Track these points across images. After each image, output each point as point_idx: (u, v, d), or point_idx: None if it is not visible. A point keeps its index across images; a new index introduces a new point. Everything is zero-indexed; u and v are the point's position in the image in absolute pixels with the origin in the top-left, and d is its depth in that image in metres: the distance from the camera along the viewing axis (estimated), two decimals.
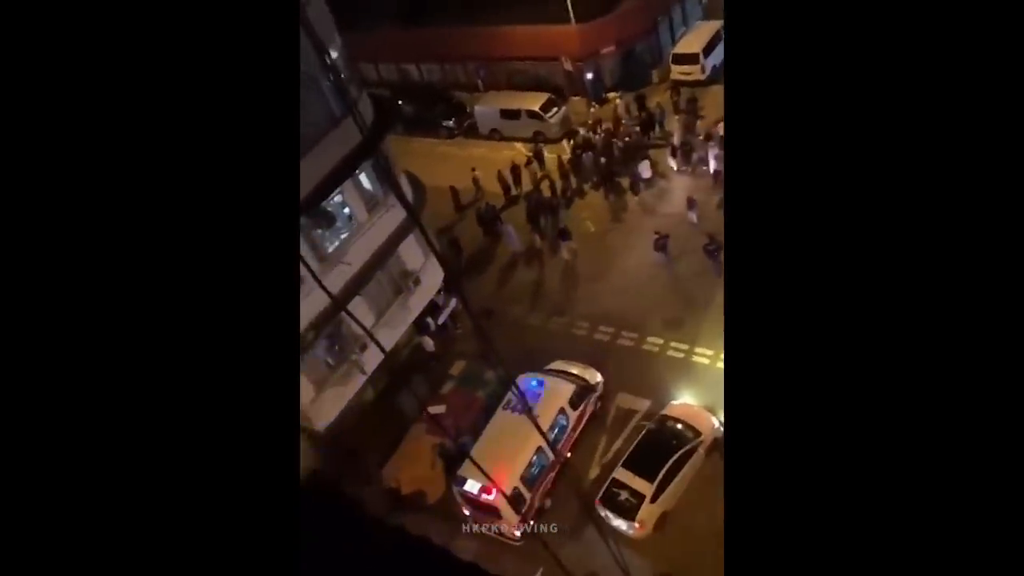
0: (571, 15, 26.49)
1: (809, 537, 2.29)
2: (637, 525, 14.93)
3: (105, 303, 2.22)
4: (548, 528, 15.51)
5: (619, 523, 15.15)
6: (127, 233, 2.25)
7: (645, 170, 23.49)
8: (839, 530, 2.25)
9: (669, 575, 14.45)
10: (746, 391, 2.40)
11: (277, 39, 2.41)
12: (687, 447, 15.63)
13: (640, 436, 16.23)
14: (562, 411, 16.61)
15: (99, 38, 2.21)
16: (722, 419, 16.50)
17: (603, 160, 24.42)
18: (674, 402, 17.07)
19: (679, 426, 16.10)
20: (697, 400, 17.04)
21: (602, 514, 15.43)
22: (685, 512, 15.39)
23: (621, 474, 15.52)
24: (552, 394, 16.76)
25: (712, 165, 22.61)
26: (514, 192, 25.30)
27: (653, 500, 15.03)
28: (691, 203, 21.67)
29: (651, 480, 15.13)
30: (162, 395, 2.27)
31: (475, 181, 25.75)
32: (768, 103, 2.38)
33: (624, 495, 15.20)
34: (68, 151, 2.18)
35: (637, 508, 14.97)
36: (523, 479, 15.60)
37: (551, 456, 16.04)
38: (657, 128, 25.34)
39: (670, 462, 15.32)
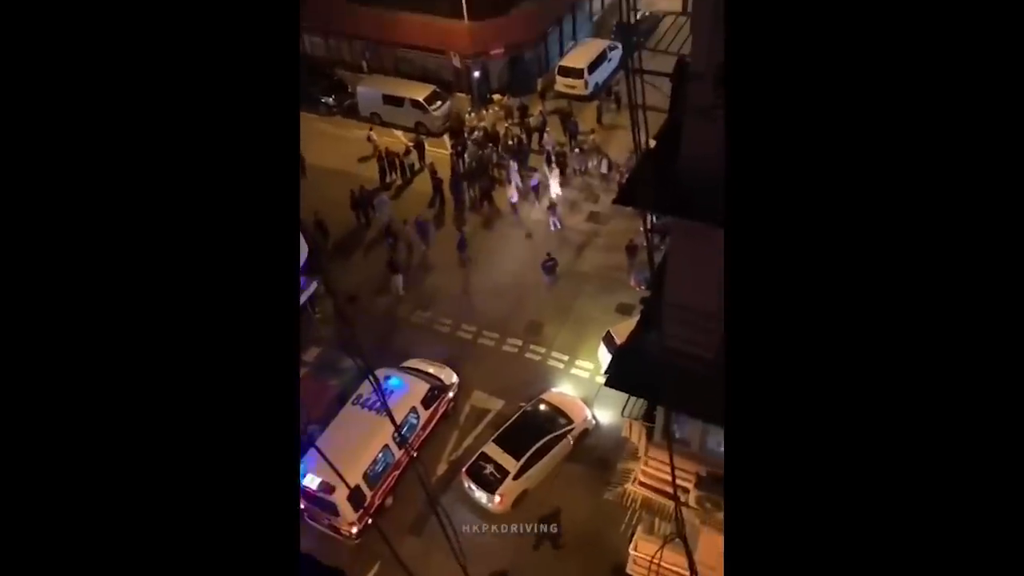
0: (464, 12, 26.45)
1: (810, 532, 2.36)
2: (497, 499, 15.51)
3: (101, 303, 2.21)
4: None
5: (480, 495, 15.69)
6: (126, 233, 2.23)
7: (517, 181, 23.61)
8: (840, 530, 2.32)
9: (505, 572, 14.83)
10: (746, 392, 2.43)
11: (276, 37, 2.37)
12: (557, 432, 16.38)
13: (514, 416, 16.86)
14: (414, 410, 16.64)
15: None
16: (594, 412, 17.33)
17: (477, 163, 24.58)
18: (553, 390, 17.76)
19: (552, 412, 16.85)
20: None
21: (466, 485, 15.89)
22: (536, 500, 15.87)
23: (490, 449, 16.11)
24: (406, 392, 16.73)
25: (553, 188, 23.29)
26: (388, 180, 24.99)
27: (516, 477, 15.68)
28: (553, 209, 22.43)
29: (517, 458, 15.77)
30: (161, 392, 2.28)
31: (370, 139, 25.76)
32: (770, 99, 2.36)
33: (489, 469, 15.80)
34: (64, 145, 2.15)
35: (500, 482, 15.58)
36: (365, 477, 15.43)
37: (397, 454, 16.01)
38: (536, 137, 25.79)
39: (539, 444, 16.02)
